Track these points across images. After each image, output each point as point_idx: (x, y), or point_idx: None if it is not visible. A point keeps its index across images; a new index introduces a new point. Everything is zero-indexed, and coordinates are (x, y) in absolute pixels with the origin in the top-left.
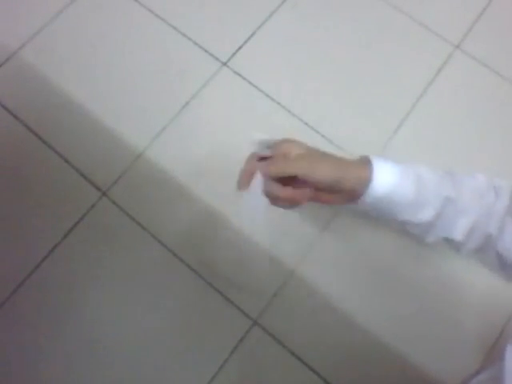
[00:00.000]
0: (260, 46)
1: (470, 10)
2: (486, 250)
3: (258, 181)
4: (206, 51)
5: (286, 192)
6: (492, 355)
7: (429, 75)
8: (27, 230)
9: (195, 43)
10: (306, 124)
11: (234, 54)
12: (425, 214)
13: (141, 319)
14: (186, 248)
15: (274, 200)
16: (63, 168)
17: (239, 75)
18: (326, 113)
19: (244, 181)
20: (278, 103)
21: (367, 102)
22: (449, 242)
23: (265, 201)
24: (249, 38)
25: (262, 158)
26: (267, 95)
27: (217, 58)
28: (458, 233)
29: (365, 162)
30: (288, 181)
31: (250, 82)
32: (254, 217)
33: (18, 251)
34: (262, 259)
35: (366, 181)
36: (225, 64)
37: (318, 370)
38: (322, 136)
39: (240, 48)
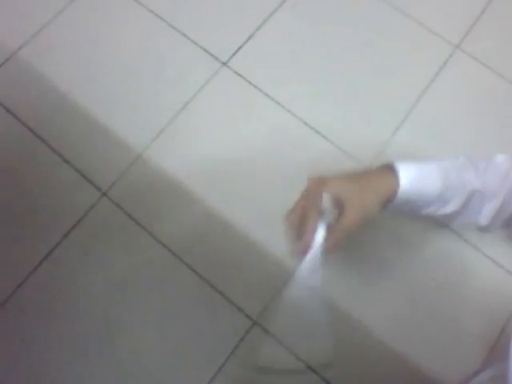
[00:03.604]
0: (260, 46)
1: (470, 10)
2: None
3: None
4: (206, 51)
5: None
6: (493, 355)
7: (429, 75)
8: (27, 230)
9: (195, 43)
10: (306, 124)
11: (234, 53)
12: (450, 207)
13: (140, 319)
14: (185, 248)
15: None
16: (63, 168)
17: (239, 75)
18: (325, 113)
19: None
20: (278, 103)
21: (367, 102)
22: (474, 225)
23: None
24: (249, 38)
25: None
26: (267, 95)
27: (217, 58)
28: (484, 218)
29: (389, 169)
30: None
31: (250, 82)
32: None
33: (18, 251)
34: (262, 259)
35: (395, 188)
36: (225, 64)
37: (318, 369)
38: (323, 136)
39: (240, 48)
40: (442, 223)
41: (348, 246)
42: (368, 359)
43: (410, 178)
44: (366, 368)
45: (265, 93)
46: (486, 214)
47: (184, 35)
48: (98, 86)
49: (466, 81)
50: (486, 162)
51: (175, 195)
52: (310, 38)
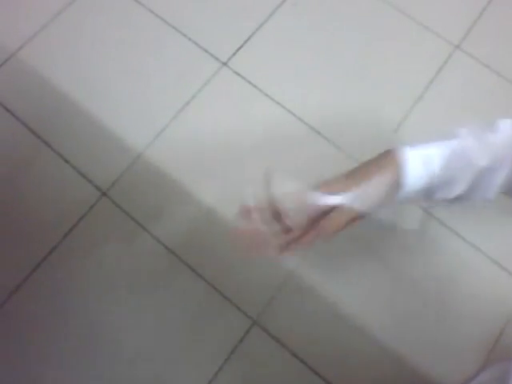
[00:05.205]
0: (260, 46)
1: (470, 10)
2: None
3: None
4: (206, 51)
5: None
6: (492, 356)
7: (429, 75)
8: (27, 230)
9: (195, 43)
10: (307, 124)
11: (234, 53)
12: (459, 189)
13: (140, 319)
14: (185, 248)
15: None
16: (63, 168)
17: (239, 75)
18: (326, 113)
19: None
20: (278, 103)
21: (367, 102)
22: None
23: None
24: (249, 38)
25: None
26: (267, 95)
27: (217, 58)
28: (492, 193)
29: (389, 159)
30: None
31: (250, 82)
32: None
33: (18, 251)
34: (262, 259)
35: (397, 184)
36: (225, 64)
37: (318, 369)
38: (324, 137)
39: (240, 48)
40: (445, 207)
41: (348, 247)
42: (368, 360)
43: (416, 175)
44: (366, 368)
45: (265, 93)
46: (493, 190)
47: (184, 35)
48: (97, 86)
49: (466, 81)
50: (493, 134)
51: (175, 195)
52: (310, 37)
